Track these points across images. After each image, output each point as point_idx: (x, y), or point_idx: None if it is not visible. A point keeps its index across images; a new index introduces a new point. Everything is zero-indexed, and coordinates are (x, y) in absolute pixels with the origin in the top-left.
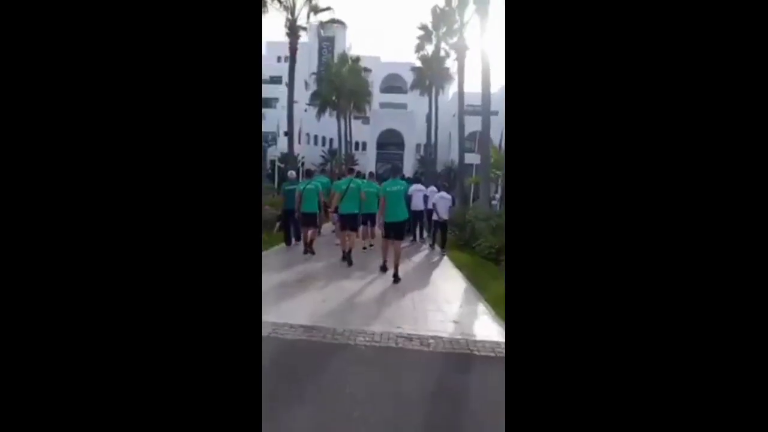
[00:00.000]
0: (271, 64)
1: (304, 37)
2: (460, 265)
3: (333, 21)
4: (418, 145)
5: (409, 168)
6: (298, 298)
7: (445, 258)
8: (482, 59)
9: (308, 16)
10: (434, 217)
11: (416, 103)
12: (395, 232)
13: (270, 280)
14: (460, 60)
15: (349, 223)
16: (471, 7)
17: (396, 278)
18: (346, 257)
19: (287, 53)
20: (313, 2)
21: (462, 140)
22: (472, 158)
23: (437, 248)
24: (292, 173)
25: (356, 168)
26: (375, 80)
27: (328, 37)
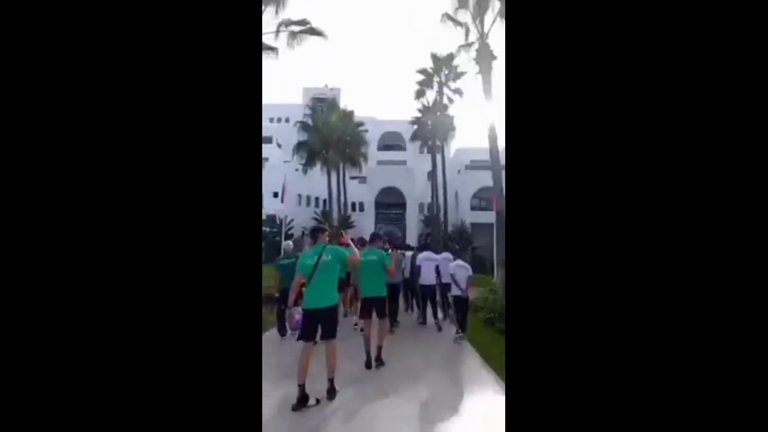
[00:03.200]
0: (263, 124)
1: (296, 99)
2: None
3: (310, 31)
4: (421, 205)
5: (413, 229)
6: None
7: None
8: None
9: (277, 30)
10: (454, 291)
11: (416, 160)
12: (376, 308)
13: None
14: (485, 74)
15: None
16: (495, 4)
17: (379, 362)
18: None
19: (278, 115)
20: (286, 17)
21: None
22: (486, 216)
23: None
24: (289, 244)
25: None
26: (371, 140)
27: (320, 98)
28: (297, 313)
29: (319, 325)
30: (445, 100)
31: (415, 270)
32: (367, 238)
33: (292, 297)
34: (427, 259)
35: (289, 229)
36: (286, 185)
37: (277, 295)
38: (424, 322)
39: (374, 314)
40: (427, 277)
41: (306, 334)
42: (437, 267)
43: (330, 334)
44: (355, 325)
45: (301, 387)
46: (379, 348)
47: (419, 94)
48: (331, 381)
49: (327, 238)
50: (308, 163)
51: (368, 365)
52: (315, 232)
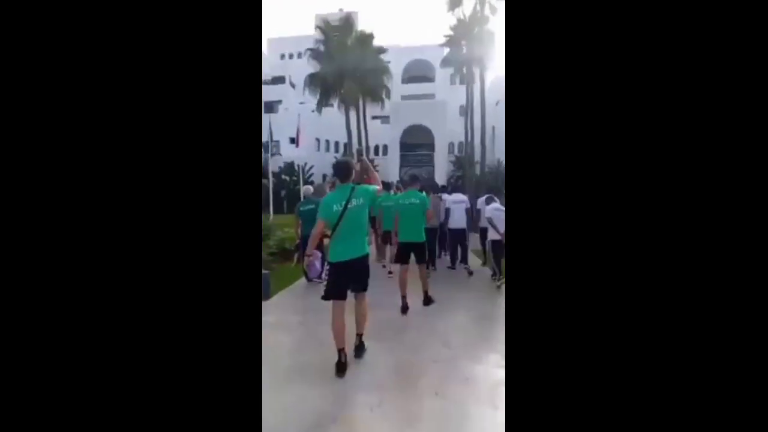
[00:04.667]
0: (274, 62)
1: (309, 30)
2: None
3: None
4: (451, 144)
5: (442, 173)
6: None
7: None
8: None
9: None
10: (491, 235)
11: (447, 93)
12: (416, 254)
13: None
14: None
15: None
16: None
17: (427, 300)
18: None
19: (291, 50)
20: None
21: None
22: None
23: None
24: (309, 188)
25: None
26: (394, 73)
27: (335, 26)
28: (317, 259)
29: (348, 280)
30: (487, 10)
31: (443, 213)
32: (390, 182)
33: (311, 245)
34: (456, 202)
35: (309, 176)
36: (301, 128)
37: (297, 241)
38: (453, 266)
39: (412, 259)
40: (457, 221)
41: (335, 291)
42: (467, 209)
43: (362, 287)
44: (390, 273)
45: (341, 351)
46: (425, 292)
47: (453, 4)
48: (359, 337)
49: (362, 175)
50: (322, 100)
51: (404, 310)
52: (342, 168)
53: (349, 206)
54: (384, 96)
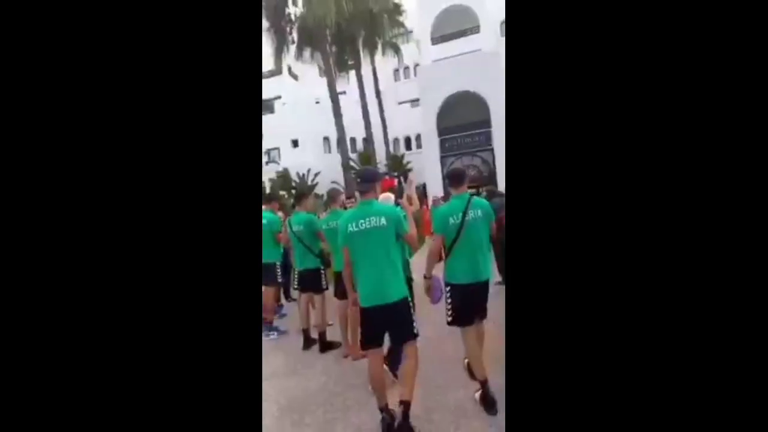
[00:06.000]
0: (269, 53)
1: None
2: None
3: None
4: None
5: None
6: None
7: None
8: None
9: None
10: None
11: (500, 45)
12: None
13: None
14: None
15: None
16: None
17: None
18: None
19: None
20: None
21: None
22: None
23: None
24: (337, 188)
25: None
26: (420, 28)
27: None
28: (437, 282)
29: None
30: None
31: None
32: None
33: (430, 266)
34: None
35: (315, 185)
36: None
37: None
38: None
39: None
40: None
41: (462, 318)
42: None
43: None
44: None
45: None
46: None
47: None
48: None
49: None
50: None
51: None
52: (456, 175)
53: (466, 219)
54: (401, 45)
